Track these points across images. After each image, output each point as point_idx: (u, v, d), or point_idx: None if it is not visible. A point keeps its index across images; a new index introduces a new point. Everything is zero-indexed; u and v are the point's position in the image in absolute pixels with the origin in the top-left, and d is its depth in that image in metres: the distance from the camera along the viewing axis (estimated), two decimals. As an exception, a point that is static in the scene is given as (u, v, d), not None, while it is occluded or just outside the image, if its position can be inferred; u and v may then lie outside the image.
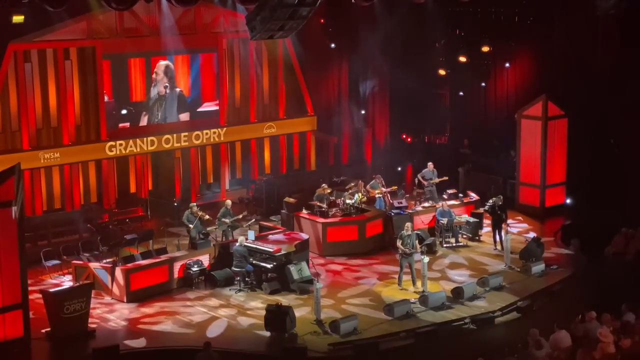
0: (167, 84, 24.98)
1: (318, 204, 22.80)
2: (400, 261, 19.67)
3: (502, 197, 22.28)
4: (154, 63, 24.66)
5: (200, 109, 25.82)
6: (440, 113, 29.82)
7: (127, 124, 24.42)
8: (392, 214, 22.61)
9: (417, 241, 19.86)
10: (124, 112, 24.19)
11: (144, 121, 24.75)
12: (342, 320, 17.27)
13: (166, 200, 24.78)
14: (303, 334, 17.12)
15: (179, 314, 18.31)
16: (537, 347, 14.75)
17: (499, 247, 21.85)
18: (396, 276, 19.96)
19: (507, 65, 27.54)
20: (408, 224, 20.05)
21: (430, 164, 24.61)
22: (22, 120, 22.59)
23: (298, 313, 17.61)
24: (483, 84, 28.47)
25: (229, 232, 21.79)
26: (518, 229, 23.49)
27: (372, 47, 27.14)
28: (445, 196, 23.84)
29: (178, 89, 25.29)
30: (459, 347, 16.69)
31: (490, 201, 22.29)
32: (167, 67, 24.98)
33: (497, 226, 22.08)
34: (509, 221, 22.58)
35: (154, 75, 24.80)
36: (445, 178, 24.59)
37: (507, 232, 21.53)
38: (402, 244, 19.42)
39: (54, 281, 19.96)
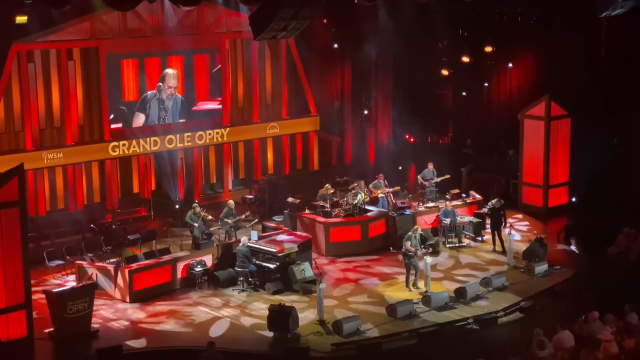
0: (173, 91, 24.98)
1: (321, 204, 22.80)
2: (405, 263, 19.68)
3: (501, 200, 22.27)
4: (146, 63, 24.54)
5: (199, 109, 25.71)
6: (443, 113, 29.81)
7: (120, 125, 24.27)
8: (395, 214, 22.63)
9: (419, 243, 19.89)
10: (111, 117, 24.06)
11: (138, 122, 24.57)
12: (344, 320, 17.26)
13: (169, 201, 24.79)
14: (306, 334, 17.13)
15: (182, 314, 18.32)
16: (540, 347, 14.75)
17: (498, 249, 21.89)
18: (399, 277, 20.00)
19: (510, 65, 27.53)
20: (416, 226, 20.14)
21: (430, 165, 24.64)
22: (26, 121, 22.59)
23: (301, 313, 17.60)
24: (486, 84, 28.46)
25: (232, 232, 21.81)
26: (521, 229, 23.49)
27: (374, 47, 27.12)
28: (448, 196, 23.84)
29: (179, 95, 25.22)
30: (461, 348, 16.65)
31: (490, 203, 22.31)
32: (175, 75, 24.94)
33: (496, 228, 22.09)
34: (512, 221, 22.54)
35: (161, 82, 24.71)
36: (447, 176, 24.62)
37: (510, 232, 21.52)
38: (410, 245, 19.45)
39: (57, 281, 19.99)
